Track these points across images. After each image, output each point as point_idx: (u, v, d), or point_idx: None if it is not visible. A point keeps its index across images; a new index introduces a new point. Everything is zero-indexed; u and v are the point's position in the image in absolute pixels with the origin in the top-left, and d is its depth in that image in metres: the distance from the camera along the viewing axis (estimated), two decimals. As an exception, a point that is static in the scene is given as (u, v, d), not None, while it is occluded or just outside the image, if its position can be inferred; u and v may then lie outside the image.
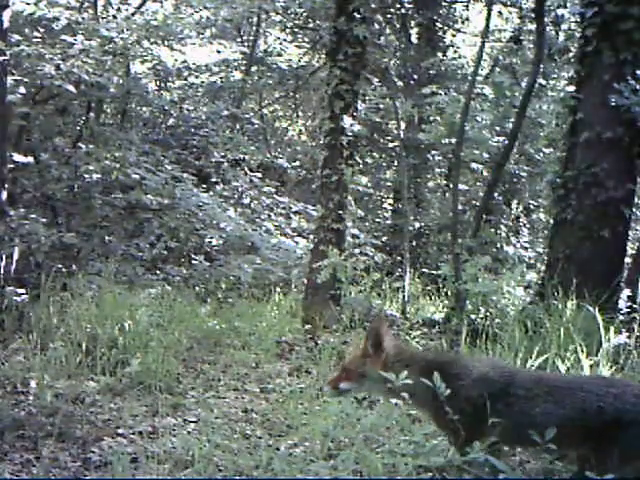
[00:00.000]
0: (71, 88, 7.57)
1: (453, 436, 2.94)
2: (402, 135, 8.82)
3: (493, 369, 3.12)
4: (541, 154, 10.71)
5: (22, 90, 7.53)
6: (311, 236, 8.38)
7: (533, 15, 7.89)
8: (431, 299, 8.13)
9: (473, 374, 3.06)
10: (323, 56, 10.81)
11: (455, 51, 13.14)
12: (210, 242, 9.19)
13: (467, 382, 3.02)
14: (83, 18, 8.79)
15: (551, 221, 6.74)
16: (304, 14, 12.45)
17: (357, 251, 8.13)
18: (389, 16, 11.84)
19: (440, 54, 12.24)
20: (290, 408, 4.29)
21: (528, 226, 11.47)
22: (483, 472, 2.76)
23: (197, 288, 7.94)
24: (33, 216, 7.47)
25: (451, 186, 7.68)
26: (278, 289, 7.81)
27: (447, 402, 2.90)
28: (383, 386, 3.07)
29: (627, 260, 6.29)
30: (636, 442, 2.76)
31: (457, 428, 2.86)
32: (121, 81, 9.60)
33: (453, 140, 7.26)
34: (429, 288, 8.46)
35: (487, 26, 7.17)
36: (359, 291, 6.89)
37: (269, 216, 10.18)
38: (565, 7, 10.38)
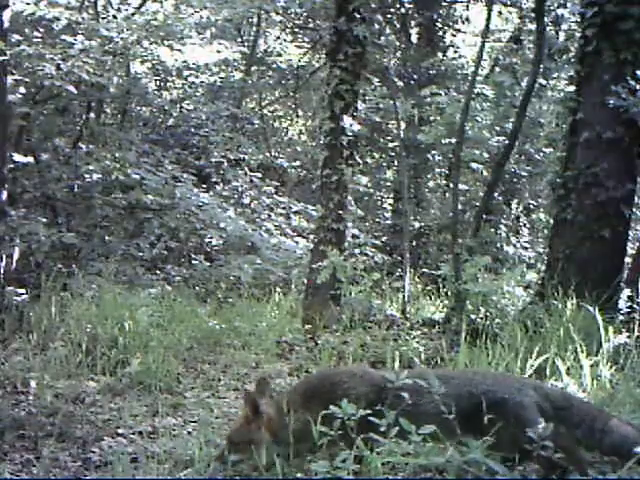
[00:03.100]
0: (71, 88, 7.57)
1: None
2: (402, 135, 8.83)
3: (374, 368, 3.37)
4: (541, 154, 10.71)
5: (22, 90, 7.54)
6: (311, 236, 8.38)
7: (533, 15, 7.89)
8: (431, 299, 8.12)
9: (356, 375, 3.24)
10: (323, 56, 10.81)
11: (455, 51, 13.12)
12: (210, 242, 9.19)
13: (352, 383, 3.18)
14: (83, 18, 8.79)
15: (551, 221, 6.74)
16: (304, 14, 12.44)
17: (357, 251, 8.13)
18: (389, 16, 11.84)
19: (440, 54, 12.23)
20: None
21: (528, 226, 11.47)
22: (482, 472, 2.76)
23: (197, 288, 7.94)
24: (33, 216, 7.47)
25: (451, 186, 7.67)
26: (278, 289, 7.80)
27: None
28: (276, 447, 3.13)
29: (627, 260, 6.30)
30: (498, 420, 2.86)
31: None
32: (121, 81, 9.60)
33: (453, 140, 7.27)
34: (429, 288, 8.46)
35: (487, 26, 7.17)
36: (359, 291, 6.88)
37: (269, 216, 10.18)
38: (565, 7, 10.38)
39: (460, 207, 8.76)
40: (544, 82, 10.56)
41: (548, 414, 2.97)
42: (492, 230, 10.26)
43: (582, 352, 4.27)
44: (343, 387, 3.17)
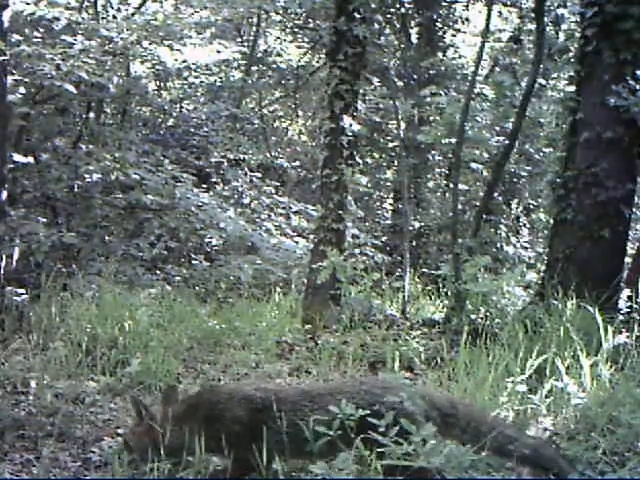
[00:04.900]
0: (71, 88, 7.56)
1: (236, 463, 3.16)
2: (402, 135, 8.82)
3: (257, 389, 3.35)
4: (541, 154, 10.71)
5: (22, 90, 7.53)
6: (311, 236, 8.38)
7: (533, 15, 7.88)
8: (431, 299, 8.11)
9: (235, 396, 3.29)
10: (323, 56, 10.81)
11: (455, 51, 13.14)
12: (210, 242, 9.19)
13: (230, 404, 3.24)
14: (83, 18, 8.80)
15: (551, 221, 6.74)
16: (304, 14, 12.45)
17: (357, 251, 8.13)
18: (389, 16, 11.83)
19: (440, 54, 12.23)
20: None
21: (528, 226, 11.48)
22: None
23: (197, 288, 7.93)
24: (33, 216, 7.46)
25: (451, 186, 7.67)
26: (278, 289, 7.80)
27: (217, 429, 3.16)
28: (162, 452, 3.22)
29: (627, 260, 6.29)
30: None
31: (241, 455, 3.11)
32: (121, 81, 9.59)
33: (453, 140, 7.26)
34: (429, 288, 8.45)
35: (487, 26, 7.17)
36: (359, 291, 6.88)
37: (269, 216, 10.18)
38: (565, 7, 10.37)
39: (460, 207, 8.77)
40: (544, 82, 10.56)
41: (436, 422, 3.01)
42: (492, 230, 10.26)
43: (582, 352, 4.27)
44: (219, 408, 3.27)
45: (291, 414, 3.14)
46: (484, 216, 7.55)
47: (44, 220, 7.83)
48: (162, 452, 3.21)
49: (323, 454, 3.06)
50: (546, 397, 4.00)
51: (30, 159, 7.81)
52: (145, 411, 3.34)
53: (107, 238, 8.61)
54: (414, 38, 12.60)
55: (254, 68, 13.04)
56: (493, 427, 3.08)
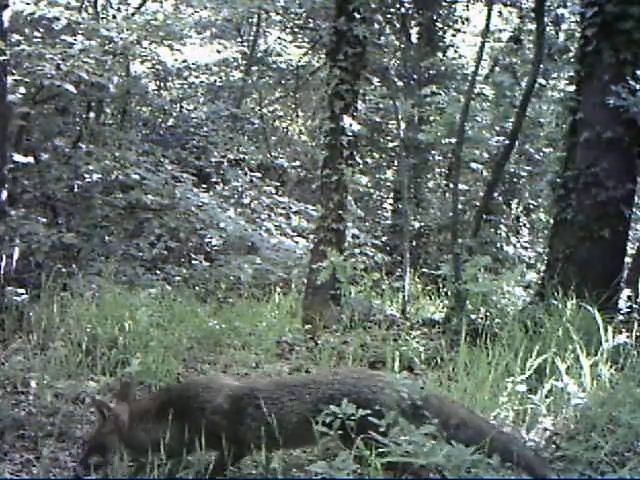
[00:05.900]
0: (71, 88, 7.56)
1: (223, 453, 3.18)
2: (402, 135, 8.82)
3: (235, 380, 3.44)
4: (541, 154, 10.71)
5: (22, 90, 7.54)
6: (311, 236, 8.38)
7: (533, 15, 7.89)
8: (431, 299, 8.11)
9: (213, 387, 3.31)
10: (323, 56, 10.81)
11: (455, 51, 13.13)
12: (210, 242, 9.19)
13: (209, 396, 3.26)
14: (83, 18, 8.80)
15: (551, 221, 6.74)
16: (304, 14, 12.45)
17: (357, 251, 8.13)
18: (389, 16, 11.84)
19: (440, 54, 12.23)
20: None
21: (528, 226, 11.47)
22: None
23: (197, 288, 7.93)
24: (33, 216, 7.46)
25: (451, 186, 7.68)
26: (278, 289, 7.80)
27: (200, 422, 3.16)
28: (131, 450, 3.26)
29: (627, 260, 6.29)
30: (363, 420, 2.90)
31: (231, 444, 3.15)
32: (121, 81, 9.60)
33: (453, 140, 7.27)
34: (429, 288, 8.45)
35: (487, 26, 7.17)
36: (359, 291, 6.88)
37: (269, 216, 10.18)
38: (565, 7, 10.38)
39: (460, 207, 8.77)
40: (544, 82, 10.56)
41: (406, 412, 3.05)
42: (492, 230, 10.26)
43: (582, 352, 4.27)
44: (199, 400, 3.26)
45: (268, 403, 3.16)
46: (484, 216, 7.56)
47: (44, 220, 7.83)
48: (139, 448, 3.23)
49: (298, 444, 3.18)
50: (546, 397, 4.00)
51: (30, 159, 7.82)
52: (108, 412, 3.31)
53: (107, 238, 8.61)
54: (414, 38, 12.59)
55: (254, 68, 13.03)
56: (464, 421, 3.12)
